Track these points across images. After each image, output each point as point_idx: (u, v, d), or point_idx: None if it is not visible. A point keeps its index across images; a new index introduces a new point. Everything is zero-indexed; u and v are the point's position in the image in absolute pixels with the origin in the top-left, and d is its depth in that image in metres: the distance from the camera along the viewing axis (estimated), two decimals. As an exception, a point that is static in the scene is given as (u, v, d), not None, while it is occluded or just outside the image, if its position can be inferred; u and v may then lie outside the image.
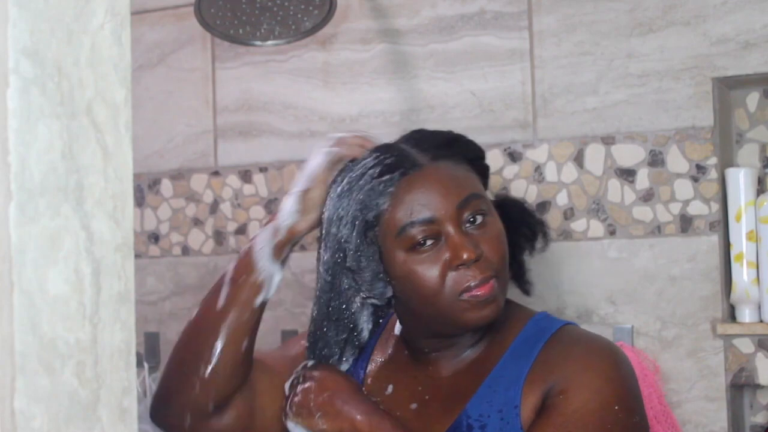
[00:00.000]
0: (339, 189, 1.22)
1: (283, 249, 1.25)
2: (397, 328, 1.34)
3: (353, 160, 1.25)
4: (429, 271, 1.20)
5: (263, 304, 1.25)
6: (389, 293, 1.23)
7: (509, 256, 1.27)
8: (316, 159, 1.26)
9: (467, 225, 1.21)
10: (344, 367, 1.29)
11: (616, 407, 1.16)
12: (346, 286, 1.23)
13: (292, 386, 1.24)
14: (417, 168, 1.20)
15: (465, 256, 1.18)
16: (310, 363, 1.26)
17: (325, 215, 1.23)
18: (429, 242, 1.20)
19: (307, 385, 1.22)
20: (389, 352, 1.34)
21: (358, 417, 1.18)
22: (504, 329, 1.26)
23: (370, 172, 1.20)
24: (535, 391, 1.19)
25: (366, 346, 1.36)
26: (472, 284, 1.19)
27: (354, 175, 1.21)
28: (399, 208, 1.20)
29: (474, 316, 1.20)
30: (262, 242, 1.25)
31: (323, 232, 1.23)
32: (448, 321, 1.22)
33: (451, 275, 1.19)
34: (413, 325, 1.28)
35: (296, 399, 1.22)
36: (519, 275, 1.33)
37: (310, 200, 1.24)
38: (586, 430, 1.14)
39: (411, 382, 1.29)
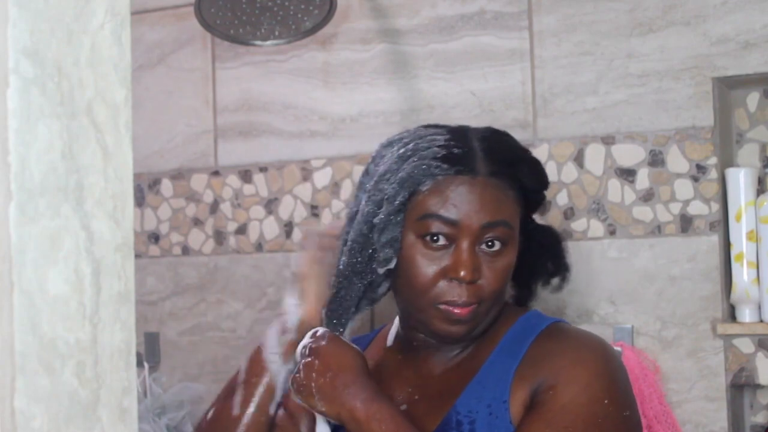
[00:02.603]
0: (403, 149, 1.22)
1: (295, 347, 1.26)
2: (390, 339, 1.34)
3: (427, 126, 1.27)
4: (426, 267, 1.21)
5: (278, 406, 1.26)
6: (392, 264, 1.23)
7: (529, 276, 1.30)
8: (300, 252, 1.30)
9: (482, 246, 1.21)
10: (355, 325, 1.28)
11: (606, 401, 1.16)
12: (373, 243, 1.23)
13: (301, 356, 1.22)
14: (472, 174, 1.21)
15: (462, 273, 1.19)
16: (321, 331, 1.23)
17: (381, 168, 1.23)
18: (441, 242, 1.20)
19: (310, 360, 1.19)
20: (380, 357, 1.34)
21: (357, 404, 1.16)
22: (494, 327, 1.26)
23: (435, 150, 1.21)
24: (524, 386, 1.19)
25: None
26: (455, 301, 1.20)
27: (421, 143, 1.22)
28: (434, 196, 1.21)
29: (442, 327, 1.22)
30: (273, 342, 1.27)
31: (373, 183, 1.24)
32: (419, 319, 1.24)
33: (442, 282, 1.20)
34: (403, 311, 1.29)
35: (298, 375, 1.20)
36: (524, 299, 1.33)
37: (305, 288, 1.27)
38: (576, 425, 1.14)
39: (402, 383, 1.29)
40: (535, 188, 1.29)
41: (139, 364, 2.24)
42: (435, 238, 1.20)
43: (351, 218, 1.28)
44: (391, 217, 1.21)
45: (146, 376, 2.26)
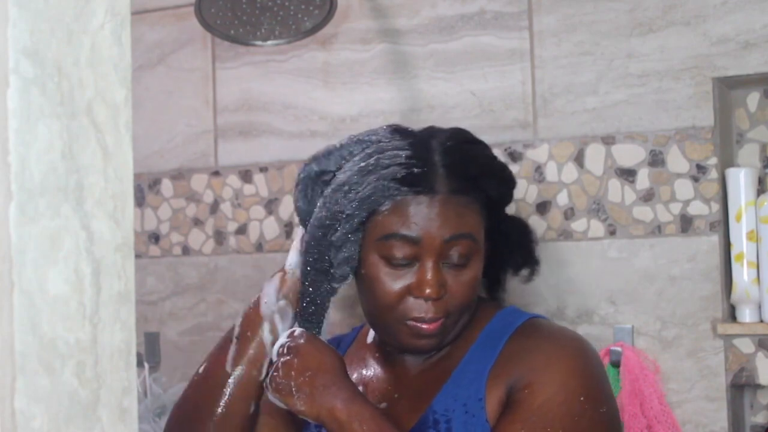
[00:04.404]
0: (364, 163, 1.20)
1: (290, 296, 1.25)
2: (370, 336, 1.34)
3: (393, 132, 1.24)
4: (390, 286, 1.20)
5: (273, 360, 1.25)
6: (348, 280, 1.22)
7: (498, 268, 1.29)
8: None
9: (445, 262, 1.20)
10: (324, 328, 1.27)
11: (582, 398, 1.16)
12: (328, 246, 1.22)
13: (278, 355, 1.20)
14: (432, 194, 1.19)
15: (427, 291, 1.18)
16: (297, 331, 1.23)
17: (339, 177, 1.21)
18: (403, 261, 1.20)
19: (289, 359, 1.18)
20: (360, 357, 1.34)
21: (338, 404, 1.15)
22: (471, 324, 1.26)
23: (395, 169, 1.19)
24: (499, 385, 1.19)
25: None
26: (422, 318, 1.19)
27: (383, 159, 1.20)
28: (394, 216, 1.19)
29: (411, 342, 1.22)
30: (270, 297, 1.25)
31: (329, 190, 1.22)
32: (389, 335, 1.24)
33: (408, 300, 1.20)
34: (371, 323, 1.29)
35: (277, 374, 1.18)
36: (493, 290, 1.33)
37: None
38: (553, 424, 1.14)
39: (380, 383, 1.29)
40: (501, 195, 1.28)
41: (139, 364, 2.24)
42: (397, 257, 1.19)
43: (303, 182, 1.26)
44: (349, 236, 1.20)
45: (146, 376, 2.26)
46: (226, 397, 1.22)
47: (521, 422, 1.14)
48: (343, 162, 1.24)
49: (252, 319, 1.25)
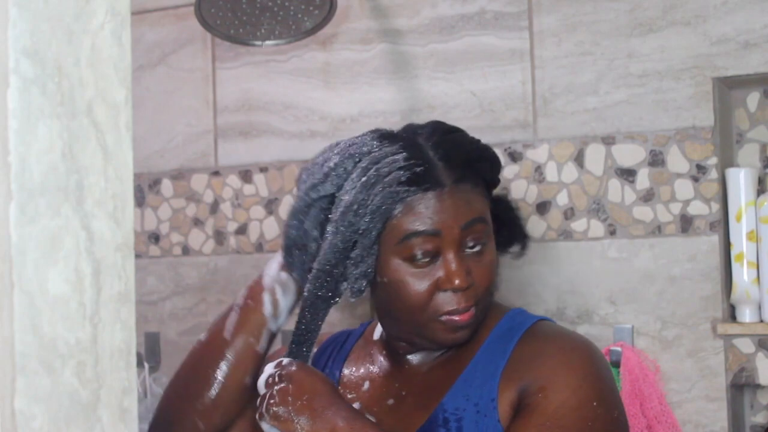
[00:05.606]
0: (365, 177, 1.21)
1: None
2: (376, 333, 1.34)
3: (381, 139, 1.24)
4: (418, 285, 1.21)
5: (273, 333, 1.26)
6: (365, 293, 1.23)
7: None
8: None
9: (466, 249, 1.22)
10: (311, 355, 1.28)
11: (595, 403, 1.17)
12: (340, 272, 1.22)
13: (268, 385, 1.20)
14: (440, 187, 1.21)
15: (457, 282, 1.20)
16: (285, 360, 1.23)
17: (344, 199, 1.21)
18: (426, 258, 1.21)
19: (283, 386, 1.19)
20: (367, 353, 1.34)
21: (340, 423, 1.15)
22: (479, 325, 1.26)
23: (398, 174, 1.20)
24: (511, 387, 1.20)
25: (342, 350, 1.37)
26: (456, 310, 1.21)
27: (382, 168, 1.21)
28: (408, 217, 1.21)
29: (447, 337, 1.23)
30: (272, 267, 1.27)
31: (338, 214, 1.21)
32: (422, 334, 1.24)
33: (438, 295, 1.21)
34: (391, 327, 1.29)
35: (273, 402, 1.18)
36: None
37: None
38: (568, 429, 1.15)
39: (388, 380, 1.30)
40: (494, 177, 1.30)
41: (139, 364, 2.24)
42: (420, 256, 1.20)
43: (298, 211, 1.25)
44: (367, 250, 1.21)
45: (146, 376, 2.26)
46: (224, 364, 1.24)
47: (536, 427, 1.15)
48: (339, 181, 1.23)
49: (254, 289, 1.27)
